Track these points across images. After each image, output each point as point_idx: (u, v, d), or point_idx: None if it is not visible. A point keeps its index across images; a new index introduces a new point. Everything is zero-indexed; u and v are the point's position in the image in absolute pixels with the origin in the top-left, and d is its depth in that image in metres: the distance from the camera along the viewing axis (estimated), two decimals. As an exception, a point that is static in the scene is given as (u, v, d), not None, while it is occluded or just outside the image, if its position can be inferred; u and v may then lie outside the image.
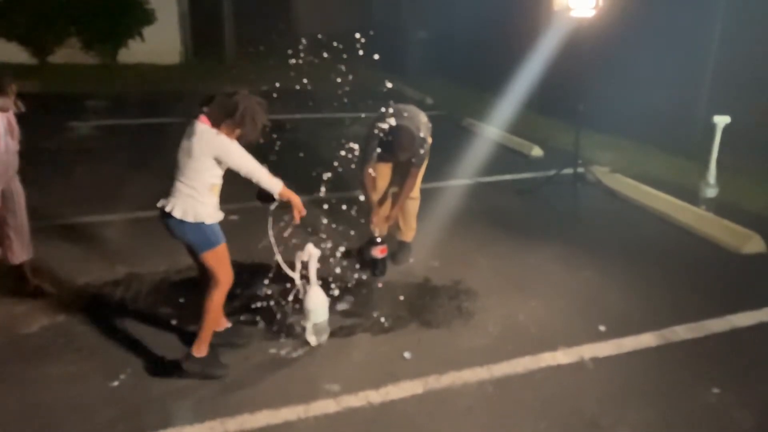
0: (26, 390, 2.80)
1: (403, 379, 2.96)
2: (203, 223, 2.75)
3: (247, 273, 4.00)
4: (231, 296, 3.63)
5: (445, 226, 4.83)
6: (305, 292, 3.20)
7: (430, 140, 3.99)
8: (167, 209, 2.74)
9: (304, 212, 2.94)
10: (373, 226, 4.04)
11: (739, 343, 3.41)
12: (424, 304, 3.70)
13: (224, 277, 2.86)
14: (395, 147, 3.73)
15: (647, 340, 3.38)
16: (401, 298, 3.76)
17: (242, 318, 3.44)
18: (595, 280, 4.10)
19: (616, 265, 4.30)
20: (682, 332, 3.46)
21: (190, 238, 2.80)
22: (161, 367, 2.96)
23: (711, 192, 5.60)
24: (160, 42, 12.45)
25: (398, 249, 4.29)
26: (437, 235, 4.65)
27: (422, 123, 3.90)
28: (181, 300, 3.62)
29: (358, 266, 4.13)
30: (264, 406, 2.72)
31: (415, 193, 4.16)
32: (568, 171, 5.58)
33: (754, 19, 6.38)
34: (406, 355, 3.17)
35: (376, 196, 4.07)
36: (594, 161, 6.50)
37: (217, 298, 2.86)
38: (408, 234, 4.31)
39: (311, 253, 3.18)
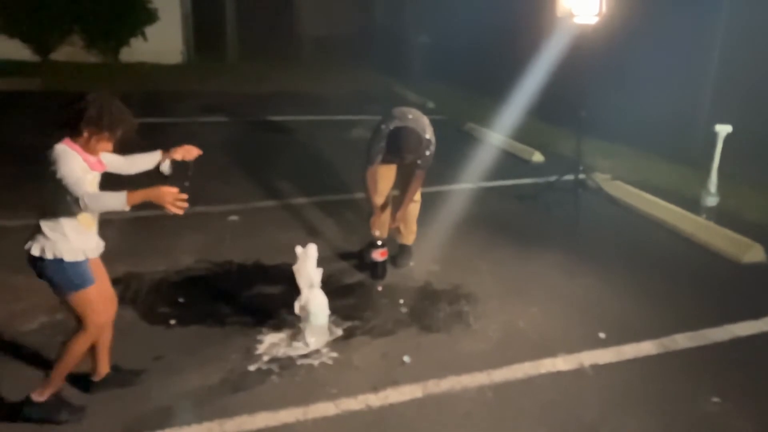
0: (24, 388, 2.77)
1: (403, 383, 2.95)
2: (62, 260, 2.38)
3: (246, 274, 4.00)
4: (230, 297, 3.65)
5: (445, 231, 4.83)
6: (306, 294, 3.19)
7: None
8: (26, 247, 2.40)
9: (176, 206, 2.33)
10: (374, 229, 4.03)
11: (739, 352, 3.40)
12: (424, 308, 3.70)
13: (92, 324, 2.50)
14: (402, 149, 3.72)
15: (647, 347, 3.37)
16: (401, 301, 3.75)
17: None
18: (595, 287, 4.09)
19: (617, 273, 4.29)
20: (682, 341, 3.45)
21: (50, 278, 2.42)
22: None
23: (712, 201, 5.60)
24: (162, 41, 12.45)
25: (399, 252, 4.28)
26: (438, 240, 4.64)
27: (426, 125, 3.90)
28: (181, 300, 3.61)
29: (358, 269, 4.13)
30: (262, 408, 2.71)
31: (417, 196, 4.16)
32: (569, 177, 5.58)
33: (756, 27, 6.39)
34: (406, 358, 3.15)
35: (378, 199, 4.07)
36: (595, 168, 6.50)
37: (82, 344, 2.53)
38: (409, 237, 4.30)
39: (311, 253, 3.18)
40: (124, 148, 2.55)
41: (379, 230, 4.03)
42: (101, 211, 2.37)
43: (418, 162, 3.88)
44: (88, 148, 2.40)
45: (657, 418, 2.81)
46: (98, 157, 2.47)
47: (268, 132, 8.20)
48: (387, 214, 4.15)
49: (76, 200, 2.24)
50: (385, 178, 4.05)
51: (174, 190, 2.33)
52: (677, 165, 6.84)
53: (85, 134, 2.36)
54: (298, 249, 3.20)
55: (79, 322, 2.51)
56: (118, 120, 2.39)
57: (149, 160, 2.71)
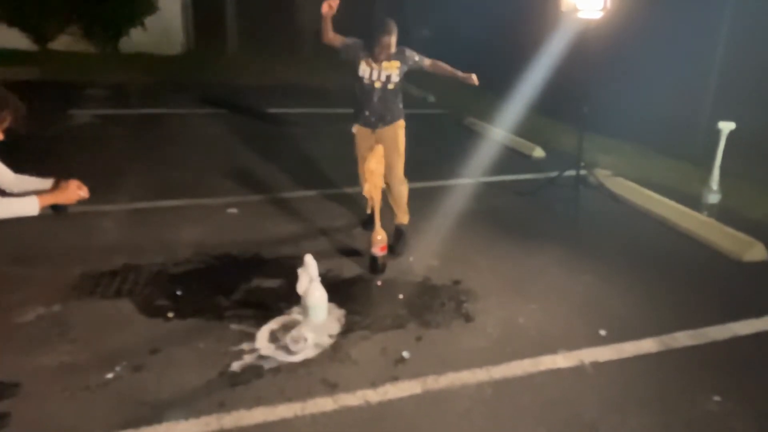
0: (20, 380, 2.75)
1: (402, 379, 2.93)
2: None
3: (245, 267, 3.97)
4: (229, 290, 3.62)
5: (445, 226, 4.80)
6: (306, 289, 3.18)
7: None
8: None
9: (81, 194, 2.40)
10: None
11: (740, 351, 3.39)
12: (423, 303, 3.67)
13: None
14: (381, 31, 3.97)
15: (648, 345, 3.35)
16: (401, 296, 3.73)
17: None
18: (595, 283, 4.07)
19: (617, 269, 4.27)
20: (682, 338, 3.44)
21: None
22: None
23: (713, 198, 5.58)
24: (161, 32, 12.37)
25: (395, 238, 4.29)
26: (438, 235, 4.62)
27: None
28: (179, 292, 3.58)
29: (358, 264, 4.10)
30: (261, 403, 2.69)
31: (400, 176, 4.26)
32: (571, 173, 5.55)
33: (760, 24, 6.36)
34: (405, 354, 3.14)
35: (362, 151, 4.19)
36: (596, 164, 6.47)
37: None
38: (403, 217, 4.39)
39: (309, 263, 3.18)
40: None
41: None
42: (5, 218, 2.18)
43: (416, 59, 4.37)
44: None
45: (657, 416, 2.80)
46: None
47: (268, 124, 8.16)
48: (379, 200, 4.12)
49: None
50: (365, 137, 4.22)
51: (76, 182, 2.33)
52: (679, 162, 6.81)
53: None
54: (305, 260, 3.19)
55: None
56: (3, 102, 2.19)
57: (39, 185, 2.51)
